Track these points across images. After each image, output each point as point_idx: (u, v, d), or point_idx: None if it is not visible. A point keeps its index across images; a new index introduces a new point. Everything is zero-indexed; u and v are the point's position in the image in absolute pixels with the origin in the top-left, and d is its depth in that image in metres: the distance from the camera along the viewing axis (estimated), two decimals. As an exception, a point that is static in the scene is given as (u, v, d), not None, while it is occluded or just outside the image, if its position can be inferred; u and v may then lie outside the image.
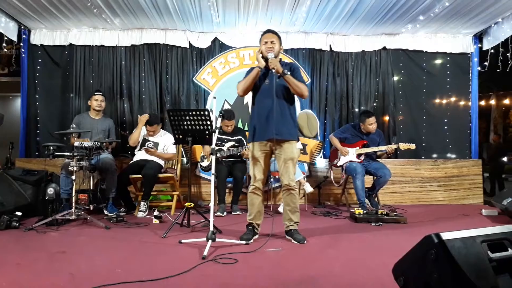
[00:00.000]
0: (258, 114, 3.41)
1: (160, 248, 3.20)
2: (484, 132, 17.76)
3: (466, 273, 1.64)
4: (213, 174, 3.29)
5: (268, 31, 3.46)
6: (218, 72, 6.03)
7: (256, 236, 3.49)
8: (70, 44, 5.94)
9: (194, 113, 3.65)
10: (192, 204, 3.85)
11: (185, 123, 3.72)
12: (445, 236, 1.72)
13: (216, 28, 5.88)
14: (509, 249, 1.80)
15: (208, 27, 5.86)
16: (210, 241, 3.07)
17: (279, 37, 3.45)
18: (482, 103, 19.43)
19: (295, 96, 3.48)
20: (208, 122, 3.61)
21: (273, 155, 3.50)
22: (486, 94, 19.32)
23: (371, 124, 5.04)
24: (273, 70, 3.24)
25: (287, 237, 3.46)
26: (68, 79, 6.01)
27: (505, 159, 10.28)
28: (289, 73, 3.32)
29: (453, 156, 6.34)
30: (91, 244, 3.36)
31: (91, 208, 4.53)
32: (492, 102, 19.64)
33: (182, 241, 3.33)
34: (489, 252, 1.74)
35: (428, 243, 1.75)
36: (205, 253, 2.87)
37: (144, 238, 3.56)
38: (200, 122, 3.67)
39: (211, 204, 3.26)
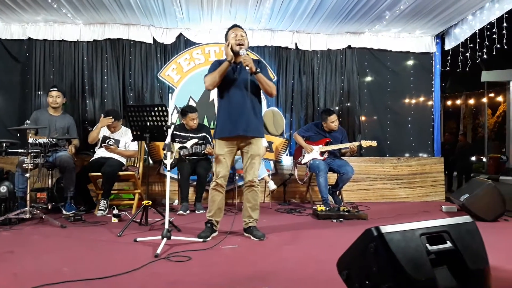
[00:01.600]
0: (229, 109, 3.31)
1: (114, 247, 3.12)
2: (454, 133, 18.18)
3: (403, 266, 1.65)
4: (168, 170, 3.23)
5: (237, 25, 3.39)
6: (183, 68, 5.95)
7: (215, 234, 3.45)
8: (29, 38, 5.74)
9: (150, 108, 3.58)
10: (150, 202, 3.78)
11: (142, 119, 3.65)
12: (385, 229, 1.73)
13: (180, 24, 5.80)
14: (447, 241, 1.83)
15: (173, 23, 5.78)
16: (165, 239, 3.02)
17: (246, 34, 3.42)
18: (450, 103, 19.98)
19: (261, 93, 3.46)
20: (166, 118, 3.55)
21: (238, 152, 3.47)
22: (455, 94, 19.85)
23: (333, 121, 5.08)
24: (247, 68, 3.16)
25: (246, 234, 3.44)
26: (27, 75, 5.81)
27: (473, 158, 10.58)
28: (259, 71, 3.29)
29: (417, 154, 6.47)
30: (42, 243, 3.25)
31: (50, 207, 4.42)
32: (462, 102, 20.20)
33: (137, 239, 3.26)
34: (427, 245, 1.76)
35: (368, 237, 1.76)
36: (158, 251, 2.82)
37: (99, 236, 3.47)
38: (158, 118, 3.60)
39: (166, 200, 3.21)
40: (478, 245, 1.87)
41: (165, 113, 3.52)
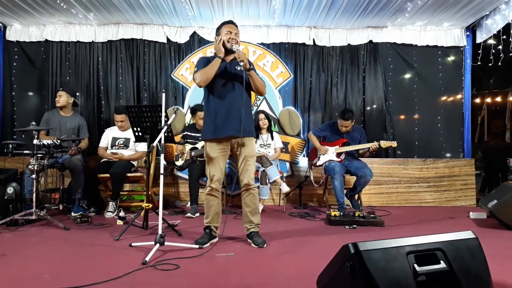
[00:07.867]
0: (219, 108, 3.14)
1: (106, 252, 3.03)
2: (501, 132, 17.09)
3: (381, 290, 1.42)
4: (161, 173, 3.08)
5: (232, 22, 3.24)
6: (197, 67, 5.83)
7: (215, 240, 3.30)
8: (46, 40, 5.81)
9: (149, 109, 3.48)
10: (150, 205, 3.67)
11: (142, 119, 3.56)
12: (364, 246, 1.50)
13: (194, 22, 5.68)
14: (441, 261, 1.57)
15: (186, 22, 5.67)
16: (157, 245, 2.89)
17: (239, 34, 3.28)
18: (496, 101, 18.78)
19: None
20: (160, 119, 3.43)
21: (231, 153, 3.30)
22: (498, 91, 18.64)
23: (343, 126, 4.80)
24: (241, 64, 3.02)
25: (248, 240, 3.27)
26: (44, 76, 5.89)
27: None
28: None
29: (448, 155, 6.06)
30: (38, 246, 3.20)
31: (61, 208, 4.41)
32: (504, 100, 18.97)
33: (133, 244, 3.15)
34: (415, 265, 1.52)
35: (345, 254, 1.54)
36: (147, 258, 2.69)
37: (97, 240, 3.38)
38: (158, 119, 3.50)
39: (160, 204, 3.07)
40: (479, 266, 1.60)
41: (160, 114, 3.39)
